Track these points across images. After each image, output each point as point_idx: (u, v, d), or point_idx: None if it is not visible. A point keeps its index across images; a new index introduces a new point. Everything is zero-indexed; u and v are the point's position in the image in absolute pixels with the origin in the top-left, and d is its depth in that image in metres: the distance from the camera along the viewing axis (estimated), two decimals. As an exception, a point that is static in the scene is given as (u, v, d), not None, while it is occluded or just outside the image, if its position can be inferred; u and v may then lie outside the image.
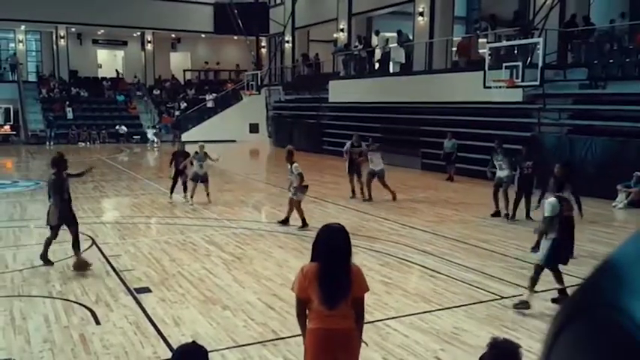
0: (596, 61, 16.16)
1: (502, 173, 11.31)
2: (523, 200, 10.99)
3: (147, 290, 7.09)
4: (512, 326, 5.92)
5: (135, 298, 6.78)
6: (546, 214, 6.59)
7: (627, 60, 15.61)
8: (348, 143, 14.06)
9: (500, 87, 16.26)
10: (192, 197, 12.96)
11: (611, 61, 15.95)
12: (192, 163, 13.08)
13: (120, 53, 39.06)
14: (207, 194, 13.07)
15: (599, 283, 0.51)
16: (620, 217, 12.33)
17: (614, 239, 9.15)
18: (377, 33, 25.04)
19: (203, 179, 12.99)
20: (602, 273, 0.51)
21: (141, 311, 6.36)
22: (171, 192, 13.41)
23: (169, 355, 5.04)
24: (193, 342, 3.22)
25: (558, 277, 6.56)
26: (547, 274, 7.87)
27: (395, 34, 24.07)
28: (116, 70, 37.54)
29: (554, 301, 6.50)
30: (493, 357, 3.07)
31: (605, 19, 17.87)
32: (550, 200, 6.72)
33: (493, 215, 11.49)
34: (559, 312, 0.54)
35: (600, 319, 0.48)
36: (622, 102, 15.21)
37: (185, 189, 13.27)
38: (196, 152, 12.97)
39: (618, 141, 13.90)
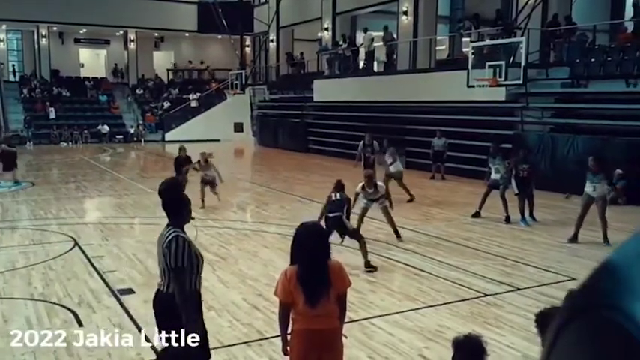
0: (578, 60, 16.30)
1: (498, 176, 11.38)
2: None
3: (130, 291, 7.03)
4: (495, 323, 5.96)
5: (118, 300, 6.73)
6: None
7: (609, 59, 15.75)
8: (361, 143, 14.39)
9: (483, 86, 16.35)
10: (202, 200, 12.28)
11: (592, 60, 16.09)
12: (195, 169, 12.71)
13: (102, 52, 38.73)
14: (216, 193, 12.65)
15: (598, 283, 0.51)
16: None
17: (597, 237, 9.25)
18: (365, 31, 24.97)
19: (211, 184, 12.57)
20: (601, 274, 0.50)
21: (124, 312, 6.30)
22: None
23: (153, 356, 5.01)
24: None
25: None
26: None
27: (381, 33, 24.13)
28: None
29: None
30: (463, 358, 3.08)
31: (588, 19, 18.04)
32: None
33: (474, 216, 11.52)
34: (559, 312, 0.54)
35: (600, 320, 0.48)
36: (604, 100, 15.36)
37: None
38: (198, 161, 12.64)
39: (600, 139, 14.02)
